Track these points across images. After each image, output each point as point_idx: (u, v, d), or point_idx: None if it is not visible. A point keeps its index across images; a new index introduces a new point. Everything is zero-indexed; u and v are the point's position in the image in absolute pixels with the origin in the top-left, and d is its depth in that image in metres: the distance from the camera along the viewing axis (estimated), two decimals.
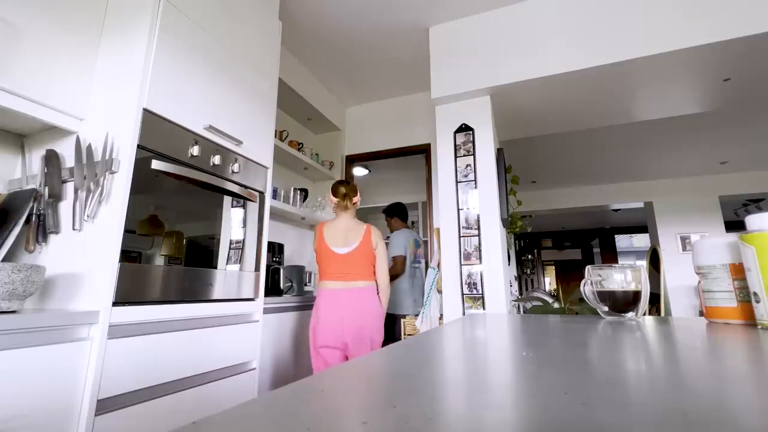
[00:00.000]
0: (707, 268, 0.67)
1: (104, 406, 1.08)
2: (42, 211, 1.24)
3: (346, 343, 1.88)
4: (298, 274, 2.64)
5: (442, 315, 2.31)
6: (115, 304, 1.14)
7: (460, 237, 2.30)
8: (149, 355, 1.21)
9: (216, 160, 1.54)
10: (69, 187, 1.28)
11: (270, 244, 2.36)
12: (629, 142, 4.35)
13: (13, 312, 0.97)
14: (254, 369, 1.64)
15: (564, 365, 0.35)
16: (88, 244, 1.19)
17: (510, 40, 2.37)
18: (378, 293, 2.02)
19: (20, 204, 1.20)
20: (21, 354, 0.92)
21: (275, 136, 2.08)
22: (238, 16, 1.79)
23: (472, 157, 2.37)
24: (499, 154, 2.46)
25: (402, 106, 3.43)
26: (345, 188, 2.11)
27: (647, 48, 2.05)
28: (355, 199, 2.12)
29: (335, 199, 2.10)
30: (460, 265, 2.26)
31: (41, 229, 1.23)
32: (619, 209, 6.76)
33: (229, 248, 1.62)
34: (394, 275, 2.79)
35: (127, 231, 1.20)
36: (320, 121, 3.34)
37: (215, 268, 1.53)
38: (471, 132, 2.41)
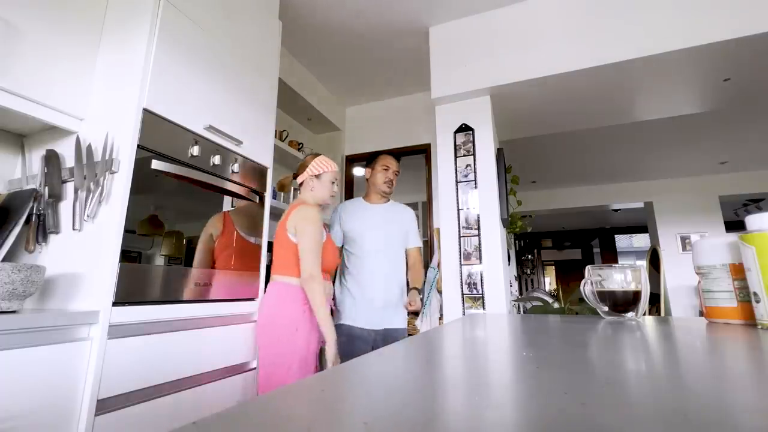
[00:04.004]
0: (707, 268, 0.67)
1: (104, 406, 1.08)
2: (42, 211, 1.24)
3: None
4: None
5: (442, 315, 2.31)
6: (115, 304, 1.14)
7: (460, 237, 2.30)
8: (149, 355, 1.21)
9: (216, 160, 1.54)
10: (69, 187, 1.27)
11: (270, 244, 2.35)
12: (629, 142, 4.35)
13: (13, 312, 0.97)
14: (254, 369, 1.64)
15: (564, 365, 0.35)
16: (88, 244, 1.19)
17: (510, 39, 2.37)
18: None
19: (20, 204, 1.20)
20: (21, 354, 0.92)
21: (275, 136, 2.07)
22: (238, 16, 1.79)
23: (472, 157, 2.37)
24: (499, 154, 2.46)
25: (402, 106, 3.43)
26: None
27: (647, 48, 2.04)
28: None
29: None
30: (460, 265, 2.26)
31: (41, 229, 1.23)
32: (619, 209, 6.76)
33: None
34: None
35: (127, 231, 1.20)
36: (320, 121, 3.34)
37: (215, 268, 1.53)
38: (471, 132, 2.41)
